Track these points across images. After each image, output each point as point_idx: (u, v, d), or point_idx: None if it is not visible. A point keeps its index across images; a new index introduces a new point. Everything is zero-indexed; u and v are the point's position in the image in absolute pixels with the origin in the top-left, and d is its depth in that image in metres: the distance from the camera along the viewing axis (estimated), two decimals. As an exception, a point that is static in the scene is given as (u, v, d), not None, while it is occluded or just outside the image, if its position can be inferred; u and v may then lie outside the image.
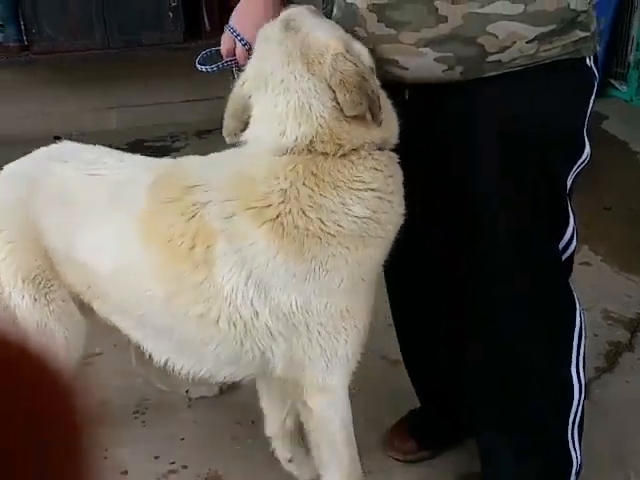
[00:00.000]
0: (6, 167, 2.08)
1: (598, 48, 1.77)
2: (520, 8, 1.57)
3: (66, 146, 2.11)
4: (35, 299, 1.95)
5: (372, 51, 1.68)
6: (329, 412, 1.93)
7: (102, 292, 1.95)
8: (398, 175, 1.74)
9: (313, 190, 1.64)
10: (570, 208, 1.86)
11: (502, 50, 1.61)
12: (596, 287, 3.32)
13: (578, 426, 2.00)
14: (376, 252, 1.76)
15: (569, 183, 1.83)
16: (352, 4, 1.73)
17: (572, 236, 1.88)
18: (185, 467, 2.45)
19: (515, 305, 1.87)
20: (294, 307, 1.73)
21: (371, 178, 1.67)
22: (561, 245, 1.87)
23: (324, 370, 1.84)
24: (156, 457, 2.50)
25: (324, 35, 1.65)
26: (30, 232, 1.93)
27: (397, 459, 2.45)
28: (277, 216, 1.65)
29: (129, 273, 1.85)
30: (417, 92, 1.76)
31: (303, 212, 1.65)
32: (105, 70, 5.35)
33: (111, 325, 2.14)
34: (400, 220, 1.77)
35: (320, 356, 1.81)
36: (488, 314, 1.90)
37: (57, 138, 5.58)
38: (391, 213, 1.73)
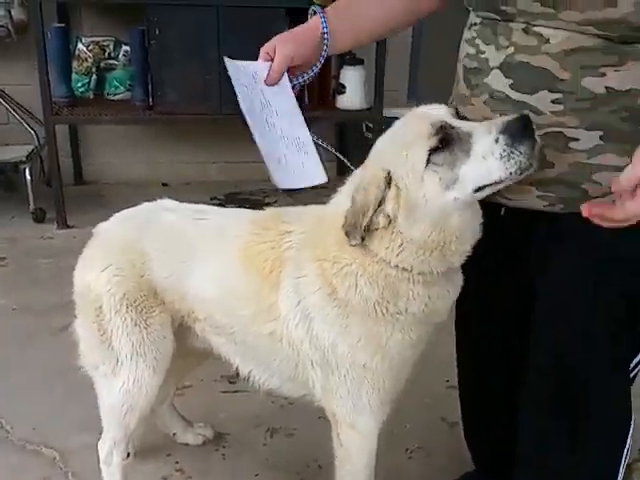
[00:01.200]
0: (116, 215, 2.25)
1: None
2: (626, 160, 1.48)
3: (168, 202, 2.27)
4: (136, 323, 2.09)
5: None
6: (354, 449, 2.02)
7: (205, 314, 2.09)
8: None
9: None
10: None
11: (605, 195, 1.59)
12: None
13: None
14: (398, 336, 1.83)
15: None
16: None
17: None
18: (258, 500, 2.53)
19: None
20: (327, 343, 1.87)
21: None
22: (636, 360, 1.81)
23: (352, 410, 1.94)
24: (233, 488, 2.59)
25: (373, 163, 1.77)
26: (138, 266, 2.08)
27: (450, 519, 2.47)
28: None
29: (230, 297, 2.00)
30: (514, 212, 1.79)
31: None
32: (213, 130, 5.63)
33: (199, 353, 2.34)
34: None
35: (348, 396, 1.92)
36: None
37: (165, 185, 5.91)
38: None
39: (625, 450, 1.85)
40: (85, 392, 2.60)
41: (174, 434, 2.81)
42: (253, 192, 5.69)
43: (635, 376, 1.85)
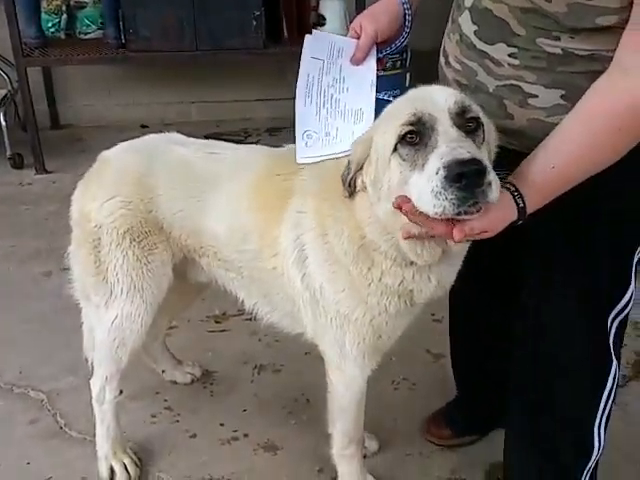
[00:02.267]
0: (121, 144, 2.18)
1: None
2: None
3: (177, 135, 2.21)
4: (138, 259, 2.07)
5: None
6: (341, 388, 2.06)
7: (215, 250, 2.07)
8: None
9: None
10: (633, 274, 1.77)
11: None
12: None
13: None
14: (377, 299, 1.82)
15: (639, 251, 1.76)
16: (443, 69, 1.82)
17: (629, 300, 1.79)
18: (246, 435, 2.57)
19: (549, 361, 1.87)
20: (317, 284, 1.87)
21: None
22: (618, 307, 1.78)
23: (339, 354, 1.96)
24: (221, 424, 2.62)
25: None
26: (146, 201, 2.03)
27: (434, 443, 2.52)
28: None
29: (238, 232, 1.98)
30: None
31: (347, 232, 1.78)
32: (191, 69, 5.49)
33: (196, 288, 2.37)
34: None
35: (334, 341, 1.94)
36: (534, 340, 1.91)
37: (144, 126, 5.79)
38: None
39: (605, 391, 1.85)
40: (71, 336, 2.63)
41: (163, 371, 2.83)
42: (234, 132, 5.59)
43: (623, 321, 1.83)
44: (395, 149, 1.53)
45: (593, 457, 1.93)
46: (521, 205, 1.51)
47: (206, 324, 3.22)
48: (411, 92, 1.64)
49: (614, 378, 1.87)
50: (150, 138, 2.20)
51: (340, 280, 1.83)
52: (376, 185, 1.60)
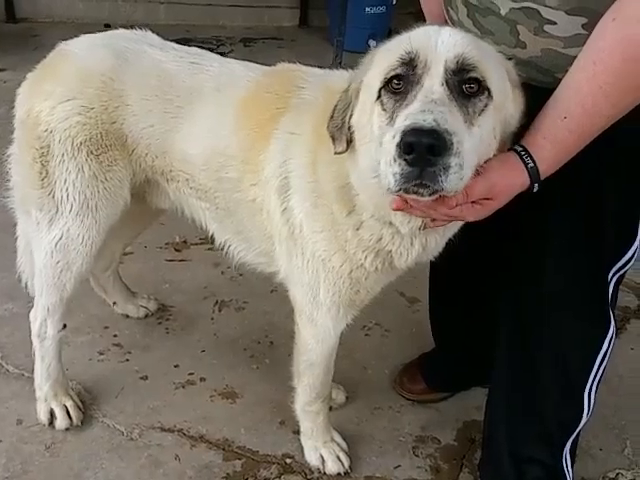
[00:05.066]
0: (85, 36, 1.84)
1: None
2: None
3: (152, 36, 1.87)
4: (94, 174, 1.78)
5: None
6: (312, 341, 1.83)
7: (188, 176, 1.80)
8: None
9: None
10: (639, 229, 1.61)
11: None
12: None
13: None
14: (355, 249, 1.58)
15: None
16: None
17: (632, 256, 1.63)
18: (203, 379, 2.33)
19: (551, 304, 1.67)
20: (297, 220, 1.62)
21: None
22: (620, 263, 1.63)
23: (311, 302, 1.73)
24: (175, 366, 2.38)
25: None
26: (110, 110, 1.73)
27: (406, 398, 2.32)
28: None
29: (219, 156, 1.71)
30: None
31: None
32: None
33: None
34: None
35: (308, 287, 1.70)
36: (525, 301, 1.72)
37: (107, 26, 5.27)
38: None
39: (600, 354, 1.70)
40: (11, 256, 2.28)
41: (114, 304, 2.56)
42: (206, 39, 5.14)
43: (621, 278, 1.67)
44: (379, 95, 1.27)
45: (580, 423, 1.79)
46: (530, 165, 1.30)
47: (165, 252, 2.94)
48: (418, 29, 1.34)
49: (610, 340, 1.71)
50: (121, 34, 1.86)
51: (321, 218, 1.57)
52: (360, 130, 1.35)
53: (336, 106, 1.40)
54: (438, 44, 1.24)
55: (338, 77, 1.61)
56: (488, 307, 1.94)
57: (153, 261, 2.88)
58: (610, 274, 1.64)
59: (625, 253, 1.63)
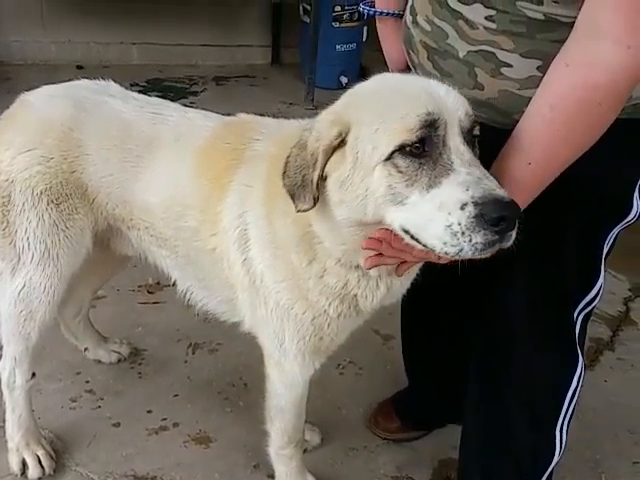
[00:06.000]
0: (46, 87, 1.85)
1: None
2: None
3: (114, 86, 1.89)
4: (55, 223, 1.78)
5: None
6: (280, 387, 1.82)
7: (148, 224, 1.80)
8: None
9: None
10: (602, 267, 1.62)
11: None
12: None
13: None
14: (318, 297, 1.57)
15: (607, 243, 1.60)
16: (410, 30, 1.56)
17: (598, 292, 1.65)
18: (176, 425, 2.31)
19: (516, 342, 1.69)
20: (258, 270, 1.61)
21: None
22: (586, 300, 1.64)
23: (278, 349, 1.71)
24: (148, 411, 2.35)
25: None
26: (70, 160, 1.74)
27: (381, 437, 2.31)
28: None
29: (178, 205, 1.71)
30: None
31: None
32: (130, 8, 5.01)
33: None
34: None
35: (274, 336, 1.69)
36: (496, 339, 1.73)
37: (79, 67, 5.30)
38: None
39: (570, 391, 1.70)
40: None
41: (86, 349, 2.53)
42: (179, 79, 5.17)
43: (589, 315, 1.69)
44: (390, 157, 1.23)
45: (553, 461, 1.79)
46: None
47: (137, 295, 2.92)
48: (404, 80, 1.35)
49: (579, 377, 1.72)
50: (82, 84, 1.87)
51: (281, 268, 1.57)
52: (345, 187, 1.30)
53: (288, 162, 1.36)
54: (447, 101, 1.25)
55: (290, 128, 1.62)
56: (459, 344, 1.96)
57: (126, 304, 2.86)
58: (576, 312, 1.66)
59: (590, 290, 1.64)
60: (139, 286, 2.95)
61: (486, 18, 1.34)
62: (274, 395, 1.85)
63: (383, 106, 1.27)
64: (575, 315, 1.66)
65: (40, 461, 2.09)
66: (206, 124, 1.75)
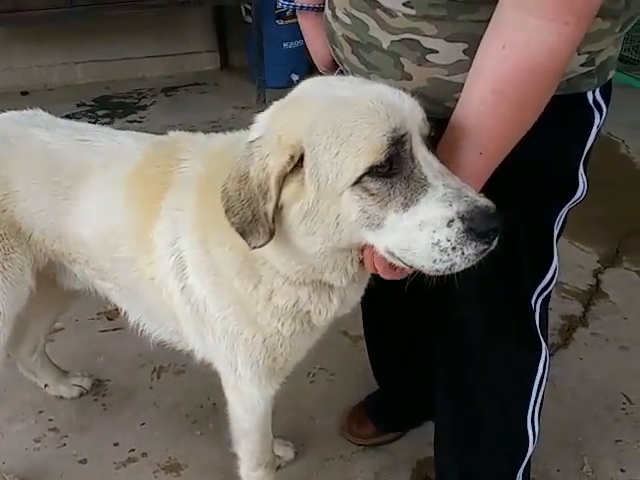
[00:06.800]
0: None
1: (611, 75, 1.41)
2: None
3: (42, 115, 1.80)
4: None
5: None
6: (240, 411, 1.76)
7: (86, 257, 1.72)
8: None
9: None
10: (555, 249, 1.58)
11: None
12: (551, 257, 3.10)
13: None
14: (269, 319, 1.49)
15: (557, 225, 1.55)
16: (331, 24, 1.48)
17: (553, 275, 1.60)
18: (145, 455, 2.23)
19: (476, 334, 1.64)
20: (199, 297, 1.52)
21: None
22: (542, 284, 1.59)
23: (233, 375, 1.64)
24: (115, 444, 2.27)
25: None
26: None
27: (356, 444, 2.26)
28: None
29: (110, 235, 1.63)
30: None
31: None
32: (70, 27, 4.88)
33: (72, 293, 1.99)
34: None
35: (226, 362, 1.62)
36: (455, 331, 1.68)
37: (24, 93, 5.17)
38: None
39: (536, 379, 1.67)
40: None
41: (46, 386, 2.44)
42: (127, 94, 5.06)
43: (547, 298, 1.64)
44: (358, 181, 1.14)
45: (529, 452, 1.75)
46: None
47: (97, 323, 2.83)
48: (346, 87, 1.23)
49: (544, 364, 1.68)
50: (7, 117, 1.78)
51: (224, 295, 1.49)
52: (310, 217, 1.20)
53: (230, 197, 1.23)
54: (406, 111, 1.18)
55: (217, 144, 1.54)
56: (423, 340, 1.90)
57: (86, 334, 2.76)
58: (533, 298, 1.61)
59: (545, 274, 1.59)
60: (98, 314, 2.85)
61: (404, 4, 1.27)
62: (236, 419, 1.78)
63: (337, 124, 1.16)
64: (533, 301, 1.61)
65: (5, 511, 2.02)
66: (137, 147, 1.66)
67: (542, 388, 1.70)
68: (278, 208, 1.21)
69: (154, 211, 1.55)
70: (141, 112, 4.75)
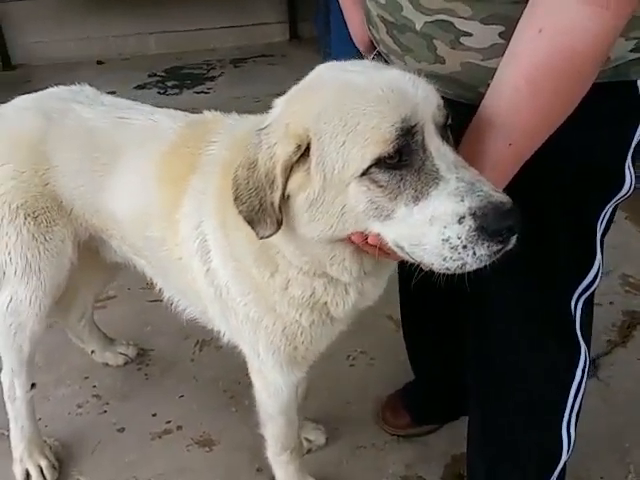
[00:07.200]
0: (18, 99, 1.81)
1: None
2: None
3: (87, 91, 1.82)
4: (34, 237, 1.74)
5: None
6: (264, 395, 1.73)
7: (121, 233, 1.75)
8: None
9: None
10: (599, 246, 1.46)
11: None
12: (617, 248, 2.91)
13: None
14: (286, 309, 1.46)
15: (601, 223, 1.44)
16: (367, 3, 1.42)
17: (596, 275, 1.49)
18: (180, 428, 2.26)
19: (511, 338, 1.55)
20: (222, 281, 1.50)
21: None
22: (583, 285, 1.49)
23: (257, 360, 1.62)
24: (154, 414, 2.31)
25: None
26: (41, 173, 1.69)
27: (390, 434, 2.20)
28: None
29: (142, 215, 1.63)
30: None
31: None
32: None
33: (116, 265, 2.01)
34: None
35: (250, 346, 1.60)
36: (489, 340, 1.60)
37: (100, 62, 5.29)
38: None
39: (574, 385, 1.57)
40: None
41: (92, 352, 2.51)
42: (196, 65, 5.08)
43: (590, 299, 1.53)
44: (365, 172, 1.09)
45: (562, 460, 1.66)
46: None
47: (147, 293, 2.85)
48: (358, 73, 1.15)
49: (583, 369, 1.57)
50: (53, 93, 1.80)
51: (245, 281, 1.46)
52: (316, 207, 1.15)
53: (238, 185, 1.20)
54: (419, 98, 1.10)
55: (244, 128, 1.48)
56: (461, 333, 1.82)
57: (136, 303, 2.82)
58: (574, 299, 1.50)
59: (586, 274, 1.48)
60: (148, 283, 2.89)
61: None
62: (261, 403, 1.77)
63: (345, 113, 1.10)
64: (573, 302, 1.50)
65: (43, 472, 2.08)
66: (172, 126, 1.64)
67: (580, 394, 1.59)
68: (285, 198, 1.17)
69: (181, 192, 1.53)
70: (209, 83, 4.77)
